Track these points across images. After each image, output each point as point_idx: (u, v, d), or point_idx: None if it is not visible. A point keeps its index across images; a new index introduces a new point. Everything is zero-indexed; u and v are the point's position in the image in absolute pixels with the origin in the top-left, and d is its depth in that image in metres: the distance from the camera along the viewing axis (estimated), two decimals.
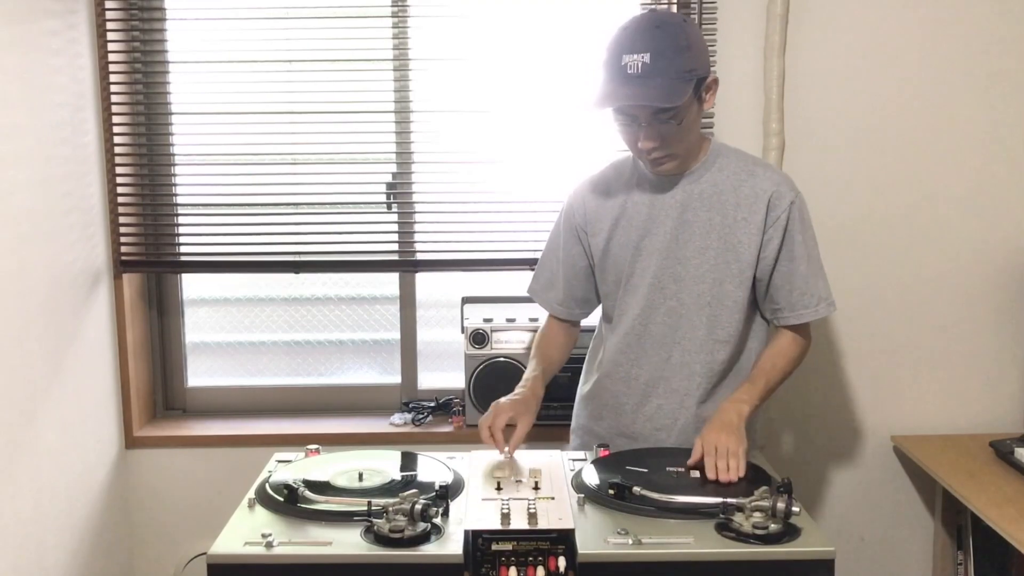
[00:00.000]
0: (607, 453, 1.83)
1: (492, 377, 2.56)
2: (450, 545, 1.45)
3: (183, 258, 2.63)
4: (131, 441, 2.63)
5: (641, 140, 1.78)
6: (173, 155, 2.60)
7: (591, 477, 1.70)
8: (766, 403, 2.46)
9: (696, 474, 1.71)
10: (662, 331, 1.92)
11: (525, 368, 2.47)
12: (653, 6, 2.51)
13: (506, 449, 1.83)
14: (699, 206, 1.87)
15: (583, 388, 2.11)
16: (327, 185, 2.59)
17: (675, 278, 1.89)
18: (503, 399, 1.91)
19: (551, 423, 2.52)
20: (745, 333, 1.93)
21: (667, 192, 1.88)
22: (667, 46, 1.70)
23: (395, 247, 2.63)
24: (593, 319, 2.13)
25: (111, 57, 2.49)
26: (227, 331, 2.84)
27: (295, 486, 1.61)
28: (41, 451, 2.21)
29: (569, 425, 2.17)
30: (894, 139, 2.53)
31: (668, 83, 1.70)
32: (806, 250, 1.87)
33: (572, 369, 2.17)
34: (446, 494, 1.56)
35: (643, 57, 1.69)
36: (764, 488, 1.51)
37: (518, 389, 1.95)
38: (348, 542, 1.46)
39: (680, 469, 1.72)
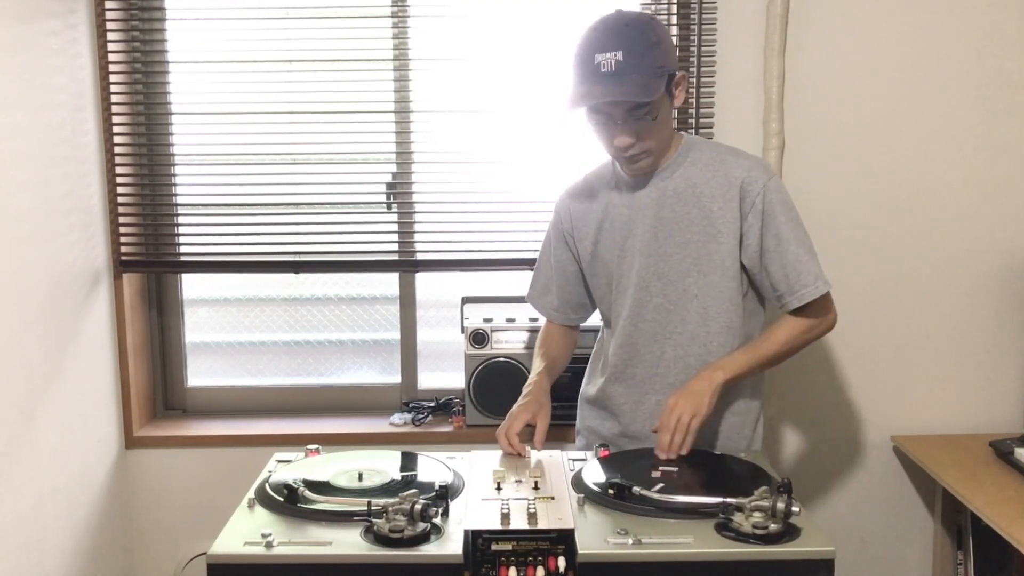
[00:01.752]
0: (607, 453, 1.83)
1: (492, 377, 2.56)
2: (450, 545, 1.45)
3: (183, 258, 2.63)
4: (131, 441, 2.63)
5: (617, 137, 1.79)
6: (173, 155, 2.61)
7: (591, 477, 1.70)
8: (765, 402, 2.47)
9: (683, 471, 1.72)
10: (652, 328, 1.92)
11: (525, 368, 2.50)
12: (653, 7, 2.51)
13: (528, 449, 1.85)
14: (674, 201, 1.87)
15: (587, 389, 2.11)
16: (327, 185, 2.59)
17: (659, 275, 1.90)
18: (515, 407, 1.93)
19: (552, 423, 2.51)
20: (740, 322, 1.92)
21: (643, 191, 1.89)
22: (638, 43, 1.72)
23: (395, 247, 2.63)
24: (596, 319, 2.13)
25: (111, 57, 2.49)
26: (227, 331, 2.85)
27: (295, 486, 1.61)
28: (41, 451, 2.21)
29: (570, 425, 2.18)
30: (894, 139, 2.53)
31: (642, 79, 1.72)
32: (792, 230, 1.85)
33: (573, 369, 2.17)
34: (446, 494, 1.56)
35: (616, 55, 1.71)
36: (764, 488, 1.51)
37: (525, 390, 1.97)
38: (348, 542, 1.46)
39: (658, 472, 1.73)
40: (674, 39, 2.50)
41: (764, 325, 1.97)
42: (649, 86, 1.72)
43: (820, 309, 1.90)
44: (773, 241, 1.85)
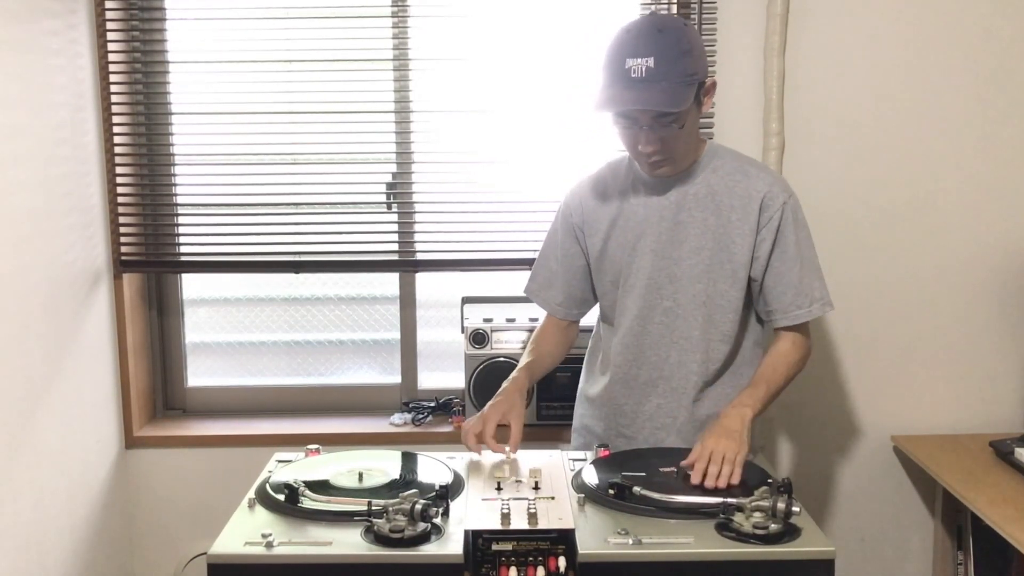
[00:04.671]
0: (607, 453, 1.83)
1: (492, 377, 2.55)
2: (450, 545, 1.45)
3: (183, 258, 2.63)
4: (131, 441, 2.63)
5: (642, 143, 1.78)
6: (173, 155, 2.60)
7: (591, 477, 1.70)
8: None
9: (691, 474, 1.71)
10: (660, 331, 1.92)
11: None
12: (653, 7, 2.51)
13: (507, 449, 1.83)
14: (693, 207, 1.87)
15: (584, 388, 2.11)
16: (327, 185, 2.59)
17: (671, 278, 1.89)
18: (487, 406, 1.91)
19: (551, 423, 2.52)
20: (741, 332, 1.93)
21: (662, 193, 1.89)
22: (670, 50, 1.70)
23: (395, 247, 2.63)
24: (591, 318, 2.13)
25: (111, 57, 2.49)
26: (227, 331, 2.84)
27: (295, 486, 1.61)
28: (41, 451, 2.21)
29: (569, 425, 2.18)
30: (894, 139, 2.53)
31: (672, 87, 1.70)
32: (799, 251, 1.86)
33: (572, 369, 2.17)
34: (446, 494, 1.56)
35: (647, 61, 1.69)
36: (764, 488, 1.51)
37: (504, 385, 1.96)
38: (348, 542, 1.46)
39: (672, 469, 1.72)
40: None
41: (759, 339, 1.97)
42: (679, 95, 1.71)
43: (806, 336, 1.92)
44: (778, 259, 1.86)
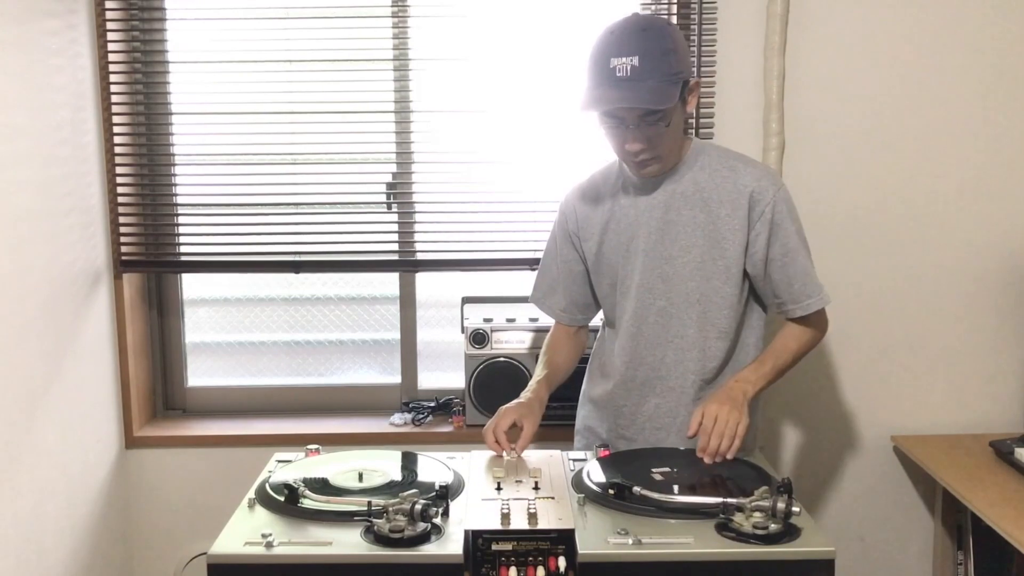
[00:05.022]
0: (607, 453, 1.83)
1: (492, 377, 2.56)
2: (450, 545, 1.45)
3: (183, 258, 2.63)
4: (131, 441, 2.63)
5: (628, 143, 1.79)
6: (173, 155, 2.61)
7: (591, 477, 1.70)
8: (766, 402, 2.47)
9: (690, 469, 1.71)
10: (655, 331, 1.93)
11: (525, 368, 2.50)
12: (653, 7, 2.51)
13: (512, 449, 1.84)
14: (682, 205, 1.87)
15: (588, 390, 2.11)
16: (327, 185, 2.59)
17: (663, 278, 1.90)
18: (505, 405, 1.93)
19: (552, 423, 2.51)
20: (739, 328, 1.93)
21: (650, 193, 1.89)
22: (654, 49, 1.71)
23: (395, 247, 2.63)
24: (598, 319, 2.13)
25: (111, 57, 2.49)
26: (227, 331, 2.84)
27: (295, 486, 1.61)
28: (41, 451, 2.21)
29: (570, 425, 2.18)
30: (894, 139, 2.53)
31: (657, 86, 1.71)
32: (799, 242, 1.87)
33: (575, 369, 2.16)
34: (446, 494, 1.56)
35: (632, 60, 1.70)
36: (764, 488, 1.51)
37: (523, 394, 1.97)
38: (348, 542, 1.46)
39: (666, 470, 1.72)
40: None
41: (762, 335, 1.97)
42: (664, 93, 1.72)
43: (821, 319, 1.93)
44: (780, 251, 1.86)
